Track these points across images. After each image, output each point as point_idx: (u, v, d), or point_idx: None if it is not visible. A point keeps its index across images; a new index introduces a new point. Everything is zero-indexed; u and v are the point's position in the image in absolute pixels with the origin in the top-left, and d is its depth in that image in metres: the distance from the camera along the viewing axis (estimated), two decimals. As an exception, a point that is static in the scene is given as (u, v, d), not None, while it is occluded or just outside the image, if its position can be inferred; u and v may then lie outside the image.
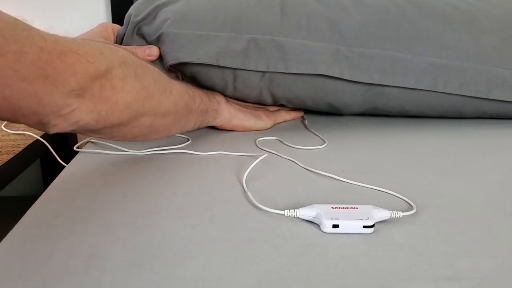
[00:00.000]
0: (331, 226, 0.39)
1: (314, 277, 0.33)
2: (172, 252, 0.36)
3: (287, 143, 0.64)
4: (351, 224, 0.39)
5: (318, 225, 0.41)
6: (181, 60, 0.64)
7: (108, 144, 0.63)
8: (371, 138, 0.68)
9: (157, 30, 0.66)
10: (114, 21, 1.19)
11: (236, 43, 0.65)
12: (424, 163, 0.57)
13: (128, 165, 0.56)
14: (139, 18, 0.67)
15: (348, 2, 0.72)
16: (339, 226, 0.39)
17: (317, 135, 0.69)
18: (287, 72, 0.66)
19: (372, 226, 0.39)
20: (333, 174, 0.53)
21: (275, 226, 0.41)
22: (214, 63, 0.65)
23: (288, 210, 0.42)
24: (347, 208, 0.41)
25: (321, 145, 0.64)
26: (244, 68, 0.66)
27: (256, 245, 0.38)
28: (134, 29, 0.68)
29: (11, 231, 0.40)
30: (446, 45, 0.69)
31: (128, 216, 0.42)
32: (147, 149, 0.61)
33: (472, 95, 0.69)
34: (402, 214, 0.42)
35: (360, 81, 0.67)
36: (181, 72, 0.70)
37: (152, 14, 0.68)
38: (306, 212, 0.41)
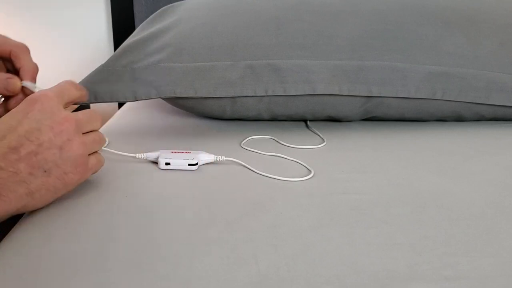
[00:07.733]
0: (164, 164, 0.54)
1: (313, 277, 0.33)
2: (172, 252, 0.36)
3: (284, 143, 0.64)
4: (180, 163, 0.53)
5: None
6: (179, 95, 0.63)
7: (107, 147, 0.64)
8: (371, 138, 0.68)
9: (149, 60, 0.64)
10: (114, 21, 1.19)
11: (233, 71, 0.64)
12: (424, 163, 0.57)
13: (127, 165, 0.56)
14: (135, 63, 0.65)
15: (345, 12, 0.71)
16: (171, 164, 0.53)
17: (317, 134, 0.69)
18: (286, 94, 0.66)
19: (196, 164, 0.53)
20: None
21: (275, 226, 0.41)
22: (211, 95, 0.64)
23: (139, 154, 0.55)
24: (181, 152, 0.55)
25: (320, 144, 0.64)
26: (242, 95, 0.65)
27: (256, 245, 0.38)
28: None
29: (11, 231, 0.40)
30: (445, 52, 0.68)
31: (128, 216, 0.42)
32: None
33: (471, 101, 0.69)
34: (225, 158, 0.54)
35: (358, 95, 0.67)
36: (172, 101, 0.69)
37: (144, 44, 0.67)
38: (151, 155, 0.55)
